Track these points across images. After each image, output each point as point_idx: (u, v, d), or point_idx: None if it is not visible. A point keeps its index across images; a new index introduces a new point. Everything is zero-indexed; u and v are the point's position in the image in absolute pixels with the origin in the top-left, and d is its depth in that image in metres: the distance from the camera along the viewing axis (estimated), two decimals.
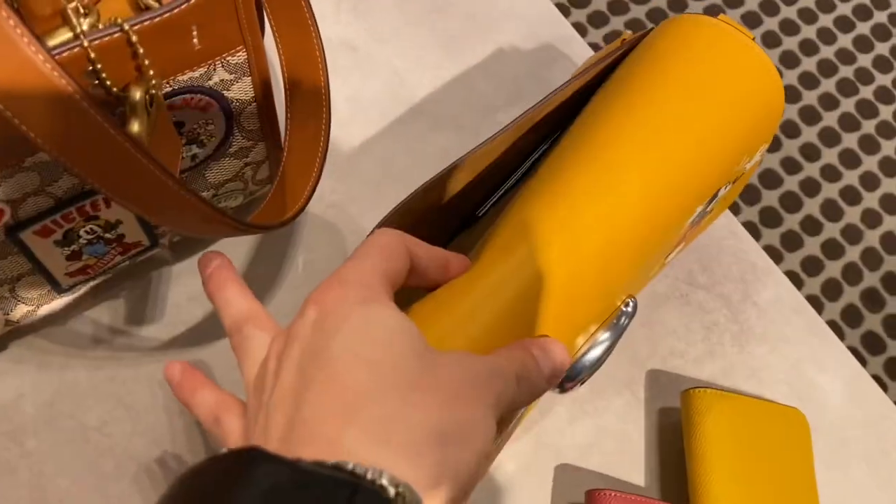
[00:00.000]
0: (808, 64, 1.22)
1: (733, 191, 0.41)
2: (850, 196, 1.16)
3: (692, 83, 0.36)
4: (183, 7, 0.29)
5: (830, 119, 1.19)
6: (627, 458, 0.44)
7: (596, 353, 0.36)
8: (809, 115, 1.20)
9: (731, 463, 0.42)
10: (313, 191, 0.41)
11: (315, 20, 0.40)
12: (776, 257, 1.12)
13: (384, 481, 0.21)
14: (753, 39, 0.39)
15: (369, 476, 0.21)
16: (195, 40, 0.31)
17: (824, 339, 0.48)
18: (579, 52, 0.54)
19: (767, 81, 0.38)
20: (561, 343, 0.30)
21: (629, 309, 0.36)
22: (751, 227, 1.12)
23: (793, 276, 1.11)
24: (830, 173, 1.16)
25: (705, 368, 0.47)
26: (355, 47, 0.52)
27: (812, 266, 1.12)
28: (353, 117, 0.50)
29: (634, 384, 0.46)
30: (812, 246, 1.13)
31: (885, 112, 1.22)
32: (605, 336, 0.36)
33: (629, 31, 0.43)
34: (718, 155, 0.36)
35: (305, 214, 0.45)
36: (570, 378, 0.36)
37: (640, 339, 0.47)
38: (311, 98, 0.42)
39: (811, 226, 1.14)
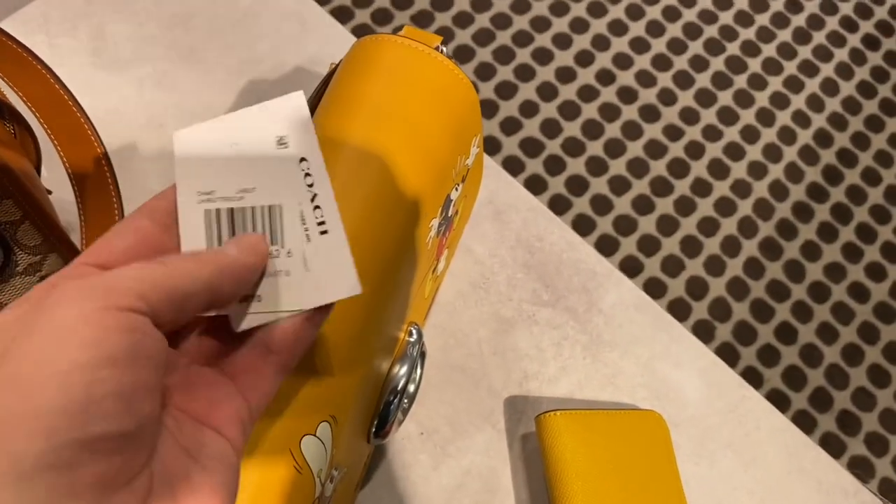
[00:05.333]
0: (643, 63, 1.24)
1: (471, 186, 0.42)
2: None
3: (382, 108, 0.37)
4: None
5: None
6: (496, 493, 0.44)
7: (398, 387, 0.36)
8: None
9: (592, 480, 0.42)
10: None
11: (76, 101, 0.39)
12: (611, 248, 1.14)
13: None
14: (441, 43, 0.39)
15: None
16: None
17: (671, 331, 0.48)
18: None
19: (453, 83, 0.38)
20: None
21: (413, 338, 0.37)
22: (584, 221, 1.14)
23: (631, 261, 1.13)
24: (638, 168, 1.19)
25: (561, 386, 0.46)
26: (161, 124, 0.51)
27: (648, 246, 1.14)
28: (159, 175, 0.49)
29: (493, 416, 0.46)
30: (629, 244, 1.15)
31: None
32: (402, 370, 0.36)
33: (334, 63, 0.42)
34: (426, 167, 0.36)
35: None
36: (382, 423, 0.36)
37: (493, 369, 0.46)
38: (96, 179, 0.41)
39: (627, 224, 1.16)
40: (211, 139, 0.29)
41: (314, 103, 0.38)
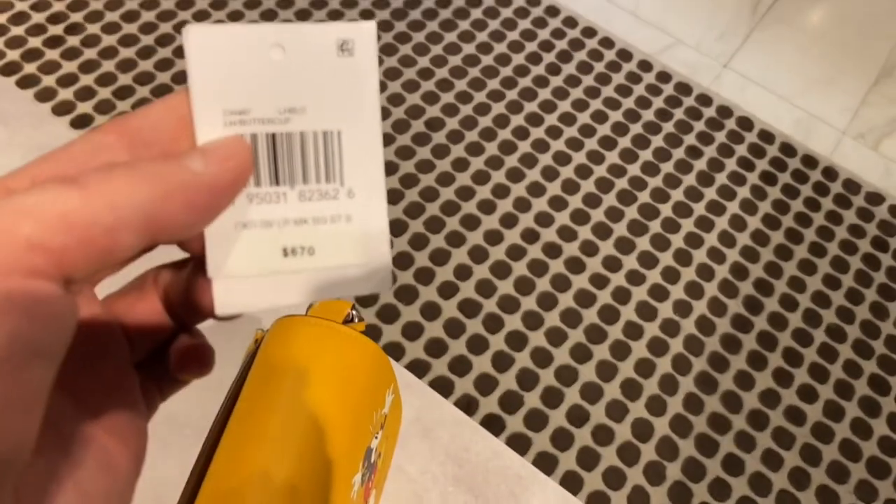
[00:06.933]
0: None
1: (392, 427, 0.47)
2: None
3: (294, 397, 0.41)
4: None
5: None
6: None
7: None
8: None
9: None
10: None
11: None
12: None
13: None
14: (353, 307, 0.45)
15: None
16: None
17: None
18: None
19: (360, 351, 0.44)
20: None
21: None
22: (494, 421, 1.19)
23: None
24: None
25: None
26: None
27: (576, 415, 1.20)
28: None
29: None
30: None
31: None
32: None
33: (261, 330, 0.48)
34: (342, 433, 0.41)
35: None
36: None
37: None
38: None
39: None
40: (244, 41, 0.22)
41: (238, 384, 0.42)
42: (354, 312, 0.46)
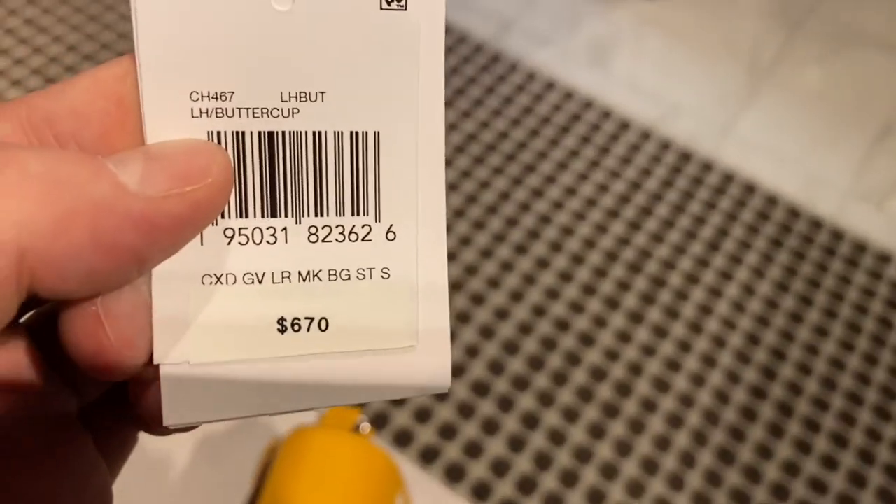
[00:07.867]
0: None
1: None
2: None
3: (308, 498, 0.42)
4: None
5: None
6: None
7: None
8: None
9: None
10: None
11: None
12: None
13: None
14: (359, 413, 0.47)
15: None
16: None
17: None
18: None
19: (368, 458, 0.45)
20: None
21: None
22: None
23: None
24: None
25: None
26: None
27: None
28: None
29: None
30: None
31: None
32: None
33: (275, 438, 0.50)
34: None
35: None
36: None
37: None
38: None
39: None
40: None
41: (253, 500, 0.43)
42: (363, 417, 0.48)
